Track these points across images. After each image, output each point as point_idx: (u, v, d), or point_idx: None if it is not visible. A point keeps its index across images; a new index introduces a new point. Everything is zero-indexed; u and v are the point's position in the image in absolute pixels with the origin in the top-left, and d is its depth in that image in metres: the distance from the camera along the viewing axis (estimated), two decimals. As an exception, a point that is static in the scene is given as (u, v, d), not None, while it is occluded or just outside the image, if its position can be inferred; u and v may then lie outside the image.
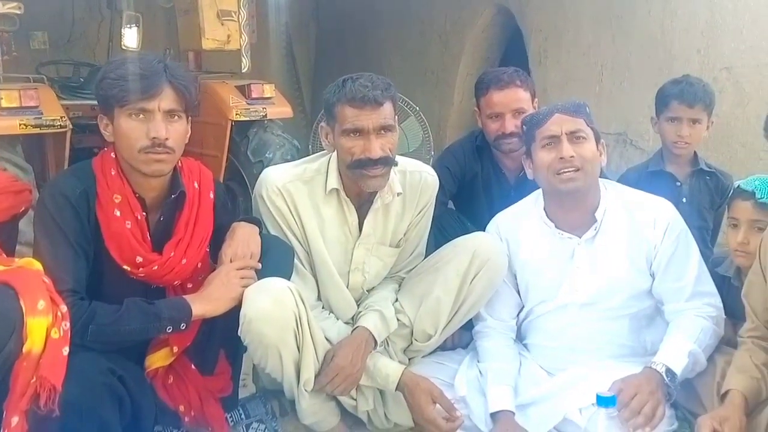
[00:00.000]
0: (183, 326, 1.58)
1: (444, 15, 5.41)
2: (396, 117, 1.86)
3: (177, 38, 4.23)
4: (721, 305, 1.92)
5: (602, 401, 1.37)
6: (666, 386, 1.76)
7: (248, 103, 3.80)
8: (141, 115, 1.58)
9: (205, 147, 3.95)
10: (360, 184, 1.83)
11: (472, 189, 2.49)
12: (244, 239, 1.73)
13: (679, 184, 2.34)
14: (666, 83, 2.35)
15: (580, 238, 1.95)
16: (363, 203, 1.93)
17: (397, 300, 2.01)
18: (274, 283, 1.68)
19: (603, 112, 3.89)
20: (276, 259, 1.77)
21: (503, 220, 2.09)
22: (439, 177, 2.41)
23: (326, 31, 6.92)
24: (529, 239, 2.02)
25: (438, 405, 1.83)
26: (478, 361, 2.03)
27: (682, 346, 1.81)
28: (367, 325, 1.87)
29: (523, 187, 2.33)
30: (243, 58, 4.02)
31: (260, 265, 1.73)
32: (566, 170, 1.85)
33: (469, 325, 2.13)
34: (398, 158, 1.99)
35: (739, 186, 1.94)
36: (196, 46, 4.02)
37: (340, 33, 6.58)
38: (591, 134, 1.90)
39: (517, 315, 2.11)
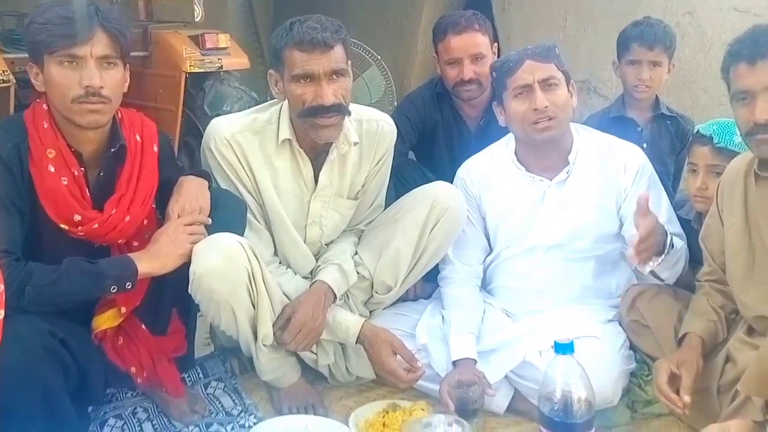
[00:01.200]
0: (128, 285, 1.51)
1: (404, -40, 5.21)
2: (349, 61, 1.77)
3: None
4: (687, 249, 1.91)
5: (560, 348, 1.36)
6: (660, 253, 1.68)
7: (203, 54, 3.64)
8: (73, 62, 1.47)
9: (159, 101, 3.81)
10: (312, 135, 1.76)
11: (433, 138, 2.43)
12: (192, 193, 1.65)
13: (640, 129, 2.31)
14: (627, 26, 2.30)
15: (551, 180, 1.93)
16: (318, 154, 1.86)
17: (356, 253, 1.97)
18: (225, 238, 1.62)
19: (566, 59, 3.76)
20: (227, 213, 1.70)
21: (474, 165, 2.07)
22: (398, 126, 2.35)
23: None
24: (500, 183, 2.00)
25: (399, 356, 1.82)
26: (442, 308, 2.02)
27: (678, 240, 1.83)
28: (326, 279, 1.83)
29: (484, 135, 2.29)
30: (195, 6, 3.84)
31: (210, 220, 1.66)
32: (541, 120, 1.82)
33: (431, 276, 2.11)
34: (353, 106, 1.92)
35: (697, 131, 1.93)
36: (143, -8, 3.82)
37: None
38: (562, 78, 1.87)
39: (484, 260, 2.09)
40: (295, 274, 1.91)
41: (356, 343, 1.86)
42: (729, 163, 1.75)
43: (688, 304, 1.81)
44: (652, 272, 1.76)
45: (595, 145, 1.96)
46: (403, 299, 2.16)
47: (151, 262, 1.54)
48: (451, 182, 2.06)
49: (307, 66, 1.67)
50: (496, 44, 2.33)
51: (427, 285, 2.19)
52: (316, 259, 1.95)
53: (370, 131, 1.92)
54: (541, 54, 1.85)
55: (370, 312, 2.04)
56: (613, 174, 1.93)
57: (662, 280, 1.82)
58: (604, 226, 1.94)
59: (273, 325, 1.76)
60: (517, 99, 1.86)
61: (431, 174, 2.37)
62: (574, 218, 1.93)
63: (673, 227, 1.91)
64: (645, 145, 2.24)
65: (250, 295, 1.67)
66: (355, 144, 1.86)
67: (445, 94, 2.39)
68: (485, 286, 2.12)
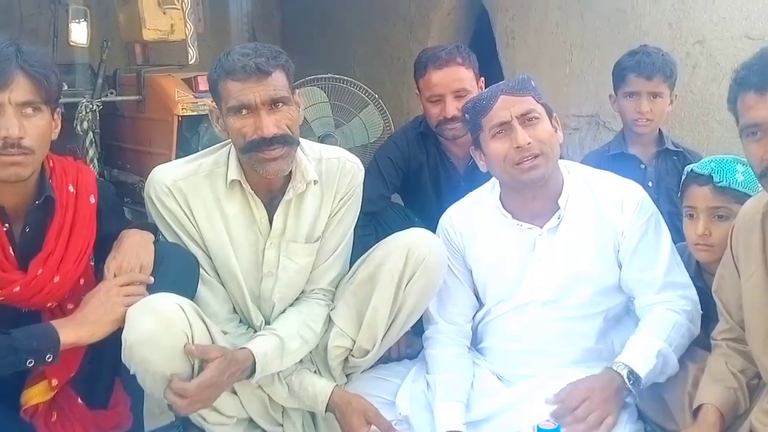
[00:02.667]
0: (49, 358, 1.33)
1: (408, -2, 5.18)
2: (296, 91, 1.63)
3: (117, 29, 3.97)
4: (697, 299, 1.70)
5: (545, 435, 1.14)
6: (627, 391, 1.56)
7: (196, 97, 3.56)
8: None
9: (153, 145, 3.76)
10: (259, 170, 1.59)
11: (419, 180, 2.26)
12: (132, 249, 1.49)
13: (643, 166, 2.12)
14: (623, 56, 2.13)
15: (541, 228, 1.74)
16: (274, 196, 1.68)
17: (332, 321, 1.76)
18: (160, 299, 1.44)
19: (574, 93, 3.71)
20: (174, 271, 1.53)
21: (457, 213, 1.87)
22: (380, 168, 2.20)
23: (291, 20, 6.69)
24: (486, 233, 1.80)
25: (373, 427, 1.62)
26: (427, 373, 1.81)
27: (649, 345, 1.60)
28: (255, 351, 1.57)
29: (473, 177, 2.11)
30: (189, 49, 3.78)
31: (152, 279, 1.49)
32: (525, 159, 1.64)
33: (420, 330, 1.91)
34: (314, 144, 1.77)
35: (692, 170, 1.72)
36: (137, 37, 3.78)
37: (305, 21, 6.35)
38: (543, 111, 1.69)
39: (473, 317, 1.89)
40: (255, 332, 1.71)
41: (326, 411, 1.66)
42: (732, 204, 1.56)
43: (703, 367, 1.58)
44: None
45: (588, 183, 1.76)
46: (386, 360, 1.96)
47: (76, 329, 1.36)
48: (440, 229, 1.87)
49: (242, 96, 1.52)
50: (482, 79, 2.15)
51: (416, 340, 1.98)
52: (268, 321, 1.74)
53: (330, 170, 1.74)
54: (516, 87, 1.68)
55: (348, 376, 1.84)
56: (608, 214, 1.72)
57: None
58: (603, 275, 1.73)
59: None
60: (496, 139, 1.68)
61: (417, 219, 2.18)
62: (568, 269, 1.72)
63: (673, 276, 1.70)
64: (650, 184, 2.05)
65: (192, 362, 1.48)
66: (315, 183, 1.69)
67: (430, 133, 2.23)
68: (475, 344, 1.90)
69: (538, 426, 1.17)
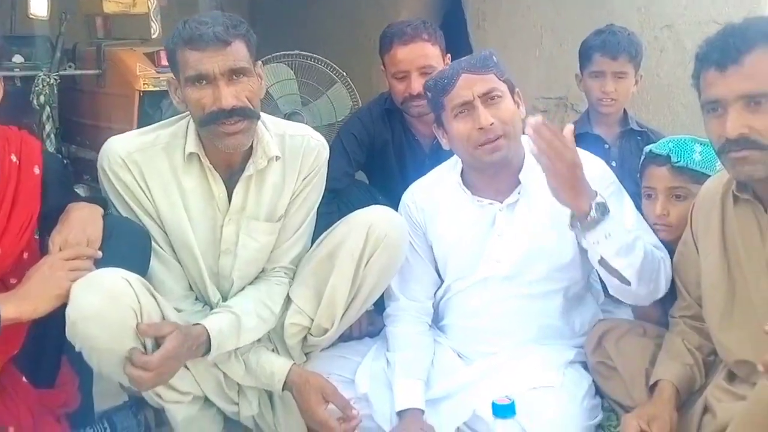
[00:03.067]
0: (-11, 334, 1.27)
1: (379, -23, 5.10)
2: (258, 62, 1.57)
3: (77, 2, 3.83)
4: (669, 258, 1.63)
5: (499, 411, 1.12)
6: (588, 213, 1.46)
7: (158, 72, 3.45)
8: None
9: (113, 121, 3.63)
10: (218, 144, 1.54)
11: (384, 158, 2.22)
12: (79, 223, 1.43)
13: (607, 146, 2.13)
14: (589, 35, 2.11)
15: (501, 203, 1.72)
16: (234, 172, 1.63)
17: (290, 299, 1.73)
18: (106, 273, 1.38)
19: (543, 76, 3.70)
20: (124, 245, 1.47)
21: (419, 189, 1.85)
22: (344, 145, 2.15)
23: (261, 1, 6.55)
24: (447, 209, 1.79)
25: (331, 404, 1.59)
26: (387, 350, 1.80)
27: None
28: (210, 327, 1.53)
29: (439, 154, 2.08)
30: (152, 23, 3.68)
31: (99, 253, 1.43)
32: (489, 141, 1.61)
33: (382, 308, 1.89)
34: (278, 120, 1.72)
35: (650, 150, 1.71)
36: (97, 9, 3.65)
37: (275, 2, 6.22)
38: (505, 89, 1.67)
39: (435, 294, 1.87)
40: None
41: (283, 390, 1.63)
42: (689, 184, 1.57)
43: (661, 343, 1.59)
44: (603, 263, 1.51)
45: None
46: (347, 338, 1.93)
47: (18, 304, 1.30)
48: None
49: (200, 66, 1.46)
50: (449, 56, 2.12)
51: (377, 318, 1.96)
52: (226, 299, 1.70)
53: (294, 146, 1.69)
54: (477, 65, 1.64)
55: (307, 355, 1.81)
56: None
57: (627, 282, 1.52)
58: (561, 250, 1.70)
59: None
60: (459, 119, 1.65)
61: (381, 197, 2.15)
62: (527, 244, 1.71)
63: (647, 236, 1.65)
64: (614, 164, 2.04)
65: (141, 339, 1.43)
66: (276, 159, 1.64)
67: (395, 110, 2.19)
68: (436, 322, 1.89)
69: (493, 402, 1.15)
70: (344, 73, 3.61)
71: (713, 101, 1.27)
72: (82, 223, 1.43)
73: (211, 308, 1.67)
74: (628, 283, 1.52)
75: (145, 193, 1.58)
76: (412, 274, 1.82)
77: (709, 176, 1.57)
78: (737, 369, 1.40)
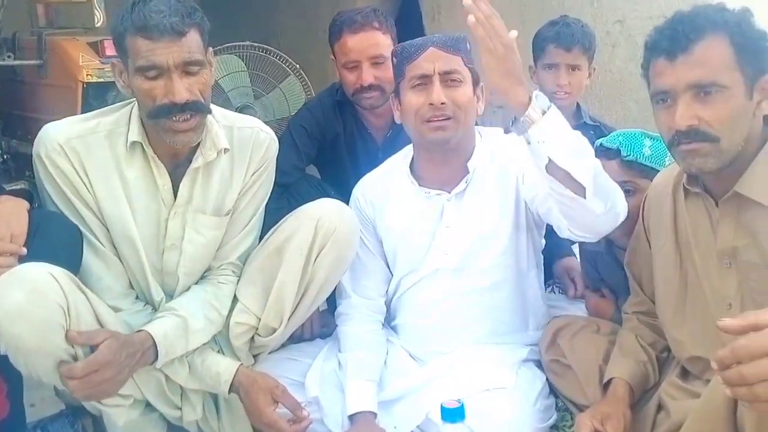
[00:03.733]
0: None
1: (335, -31, 5.03)
2: (209, 50, 1.49)
3: (15, -13, 3.64)
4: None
5: (447, 415, 1.07)
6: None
7: (102, 62, 3.30)
8: None
9: (56, 113, 3.44)
10: (167, 139, 1.46)
11: (335, 151, 2.15)
12: (2, 217, 1.34)
13: (561, 140, 2.08)
14: (542, 26, 2.09)
15: (449, 193, 1.68)
16: (180, 163, 1.55)
17: (235, 298, 1.66)
18: (31, 269, 1.29)
19: None
20: (53, 241, 1.38)
21: (368, 183, 1.81)
22: (294, 138, 2.08)
23: (213, -11, 6.40)
24: (396, 201, 1.74)
25: (281, 408, 1.53)
26: (339, 350, 1.74)
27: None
28: (154, 332, 1.46)
29: (392, 147, 2.02)
30: (95, 11, 3.52)
31: (24, 249, 1.34)
32: (436, 118, 1.58)
33: (335, 309, 1.83)
34: (224, 112, 1.64)
35: (601, 144, 1.69)
36: (38, -5, 3.49)
37: (228, -9, 6.08)
38: (468, 76, 1.62)
39: (387, 291, 1.82)
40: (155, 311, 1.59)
41: (230, 392, 1.56)
42: (638, 179, 1.54)
43: (614, 339, 1.57)
44: (552, 168, 1.33)
45: (494, 144, 1.71)
46: (298, 339, 1.87)
47: None
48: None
49: (153, 56, 1.38)
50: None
51: (331, 319, 1.90)
52: (171, 297, 1.62)
53: (243, 138, 1.62)
54: (448, 43, 1.59)
55: (255, 357, 1.74)
56: (508, 167, 1.66)
57: (582, 190, 1.34)
58: (508, 234, 1.66)
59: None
60: (414, 90, 1.61)
61: (333, 191, 2.08)
62: (474, 233, 1.67)
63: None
64: (568, 158, 2.01)
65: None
66: (225, 151, 1.57)
67: (346, 102, 2.12)
68: (389, 321, 1.84)
69: (441, 405, 1.11)
70: (297, 66, 3.53)
71: (662, 92, 1.24)
72: (5, 217, 1.34)
73: (154, 308, 1.59)
74: (584, 193, 1.34)
75: (84, 183, 1.49)
76: (363, 271, 1.77)
77: (658, 171, 1.56)
78: (690, 365, 1.39)
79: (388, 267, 1.79)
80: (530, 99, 1.33)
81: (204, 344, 1.59)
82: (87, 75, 3.22)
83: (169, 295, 1.63)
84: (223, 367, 1.56)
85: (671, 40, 1.21)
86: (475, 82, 1.65)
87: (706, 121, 1.19)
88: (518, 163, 1.63)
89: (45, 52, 3.48)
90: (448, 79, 1.58)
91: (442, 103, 1.56)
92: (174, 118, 1.42)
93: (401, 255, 1.74)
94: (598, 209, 1.38)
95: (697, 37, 1.19)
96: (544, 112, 1.33)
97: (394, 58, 1.68)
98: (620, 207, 1.45)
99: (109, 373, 1.36)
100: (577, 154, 1.35)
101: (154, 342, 1.45)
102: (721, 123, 1.18)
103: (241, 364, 1.60)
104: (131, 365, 1.42)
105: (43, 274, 1.29)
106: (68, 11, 3.83)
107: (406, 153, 1.76)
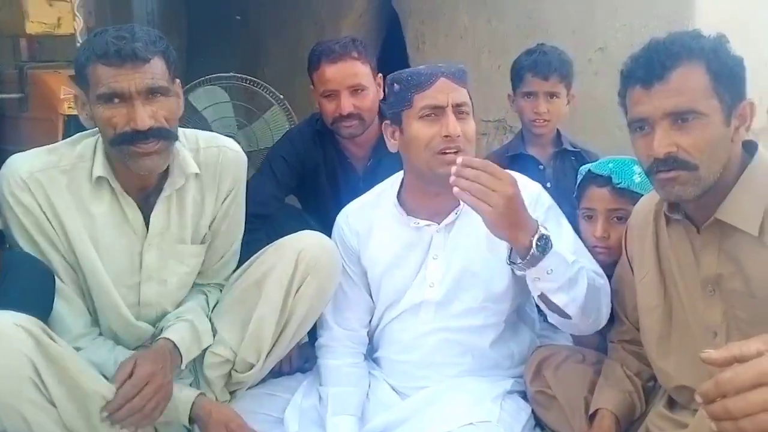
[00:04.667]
0: None
1: (319, 0, 5.10)
2: (177, 80, 1.47)
3: (-1, 22, 3.65)
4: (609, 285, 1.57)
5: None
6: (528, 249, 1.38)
7: (84, 95, 3.30)
8: None
9: (38, 146, 3.43)
10: (131, 166, 1.42)
11: (316, 181, 2.13)
12: None
13: (542, 167, 2.09)
14: (520, 55, 2.09)
15: (438, 224, 1.64)
16: (148, 194, 1.52)
17: (214, 329, 1.62)
18: None
19: (482, 98, 3.69)
20: (22, 285, 1.33)
21: (352, 212, 1.75)
22: (273, 168, 2.06)
23: (199, 20, 6.45)
24: (382, 232, 1.69)
25: None
26: (320, 384, 1.70)
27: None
28: (171, 337, 1.50)
29: (373, 177, 2.00)
30: (78, 44, 3.53)
31: None
32: (450, 150, 1.52)
33: (315, 340, 1.78)
34: (190, 132, 1.61)
35: (590, 171, 1.68)
36: (20, 30, 3.49)
37: (214, 22, 6.13)
38: (471, 108, 1.59)
39: (370, 322, 1.77)
40: (117, 345, 1.55)
41: (190, 423, 1.51)
42: (629, 206, 1.51)
43: (600, 369, 1.54)
44: (544, 298, 1.43)
45: None
46: (277, 374, 1.82)
47: None
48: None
49: (114, 83, 1.36)
50: (380, 75, 2.05)
51: (313, 352, 1.85)
52: (157, 329, 1.59)
53: (209, 160, 1.59)
54: (456, 75, 1.55)
55: (232, 393, 1.68)
56: None
57: (567, 316, 1.45)
58: (494, 278, 1.63)
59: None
60: (424, 121, 1.53)
61: (314, 222, 2.05)
62: (462, 266, 1.63)
63: (583, 260, 1.56)
64: (549, 184, 2.01)
65: (41, 391, 1.29)
66: (196, 176, 1.54)
67: (326, 131, 2.10)
68: (371, 354, 1.79)
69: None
70: (281, 96, 3.53)
71: (640, 120, 1.23)
72: None
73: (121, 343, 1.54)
74: (570, 318, 1.46)
75: (48, 219, 1.45)
76: (346, 302, 1.73)
77: (646, 197, 1.54)
78: (677, 395, 1.36)
79: (371, 297, 1.75)
80: (531, 242, 1.35)
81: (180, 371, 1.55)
82: (68, 107, 3.20)
83: (152, 324, 1.60)
84: (179, 399, 1.50)
85: (647, 68, 1.20)
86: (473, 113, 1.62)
87: (684, 148, 1.17)
88: None
89: (26, 85, 3.48)
90: (459, 111, 1.53)
91: (458, 136, 1.51)
92: (138, 144, 1.38)
93: (386, 286, 1.70)
94: (582, 326, 1.50)
95: (673, 65, 1.18)
96: (544, 251, 1.37)
97: (395, 84, 1.60)
98: (604, 314, 1.53)
99: (159, 380, 1.39)
100: (569, 288, 1.42)
101: (175, 345, 1.48)
102: (700, 150, 1.17)
103: (200, 393, 1.55)
104: (167, 370, 1.44)
105: (9, 324, 1.24)
106: (51, 45, 3.84)
107: (394, 182, 1.71)
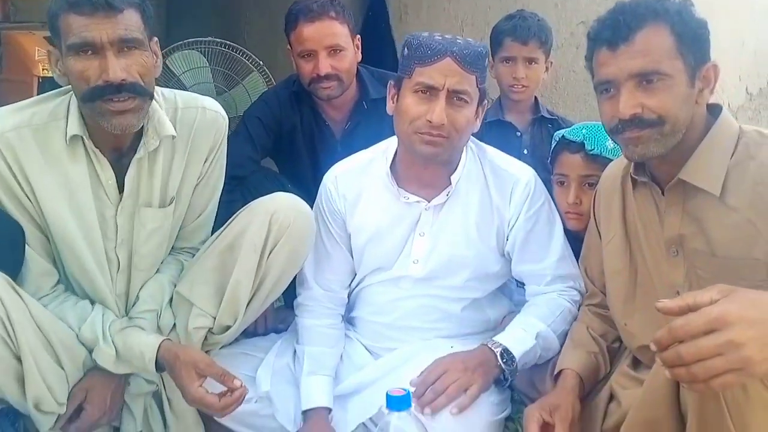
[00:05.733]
0: None
1: (303, -31, 5.00)
2: (154, 38, 1.43)
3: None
4: (584, 289, 1.63)
5: (394, 403, 1.05)
6: (500, 369, 1.49)
7: (58, 56, 3.24)
8: None
9: (9, 107, 3.38)
10: (103, 123, 1.38)
11: (292, 144, 2.11)
12: None
13: (519, 134, 2.10)
14: (500, 20, 2.09)
15: (428, 202, 1.62)
16: (123, 154, 1.49)
17: (190, 302, 1.60)
18: None
19: None
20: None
21: (342, 174, 1.71)
22: (249, 129, 2.04)
23: (180, -13, 6.32)
24: (371, 200, 1.67)
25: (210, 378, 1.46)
26: (297, 342, 1.70)
27: (530, 327, 1.55)
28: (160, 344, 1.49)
29: (351, 140, 2.01)
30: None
31: None
32: (430, 134, 1.49)
33: (292, 302, 1.78)
34: (169, 92, 1.57)
35: (563, 137, 1.68)
36: (-9, -9, 3.42)
37: (196, -11, 6.01)
38: (476, 97, 1.53)
39: (350, 285, 1.78)
40: (83, 299, 1.54)
41: (157, 370, 1.49)
42: (602, 172, 1.51)
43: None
44: None
45: (483, 164, 1.66)
46: (251, 334, 1.82)
47: None
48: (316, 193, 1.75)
49: (85, 32, 1.31)
50: (358, 37, 2.04)
51: (290, 314, 1.85)
52: (133, 296, 1.58)
53: (186, 120, 1.54)
54: (467, 59, 1.47)
55: (207, 353, 1.69)
56: (495, 200, 1.63)
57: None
58: (481, 262, 1.64)
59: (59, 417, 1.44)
60: (415, 96, 1.50)
61: (291, 185, 2.05)
62: (447, 249, 1.62)
63: (564, 269, 1.63)
64: (526, 151, 2.03)
65: (9, 346, 1.29)
66: (173, 138, 1.51)
67: (304, 93, 2.08)
68: (346, 313, 1.80)
69: (387, 393, 1.08)
70: (261, 62, 3.49)
71: (606, 81, 1.24)
72: None
73: (94, 300, 1.54)
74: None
75: (18, 181, 1.41)
76: (328, 262, 1.71)
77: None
78: (641, 355, 1.39)
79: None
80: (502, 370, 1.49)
81: (128, 325, 1.53)
82: (43, 69, 3.16)
83: (131, 290, 1.59)
84: (145, 345, 1.47)
85: (613, 29, 1.21)
86: (480, 102, 1.56)
87: (649, 108, 1.19)
88: (509, 215, 1.63)
89: (0, 46, 3.41)
90: (455, 97, 1.48)
91: (442, 124, 1.47)
92: (109, 100, 1.34)
93: (369, 255, 1.69)
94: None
95: (638, 26, 1.19)
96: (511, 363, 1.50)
97: (405, 48, 1.55)
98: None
99: (106, 419, 1.49)
100: (541, 356, 1.56)
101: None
102: (665, 110, 1.19)
103: (165, 339, 1.51)
104: (118, 392, 1.51)
105: None
106: (26, 6, 3.76)
107: (388, 147, 1.67)
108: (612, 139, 1.28)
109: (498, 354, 1.49)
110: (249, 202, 1.74)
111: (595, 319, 1.52)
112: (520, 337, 1.53)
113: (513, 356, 1.49)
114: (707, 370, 0.82)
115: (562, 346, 1.53)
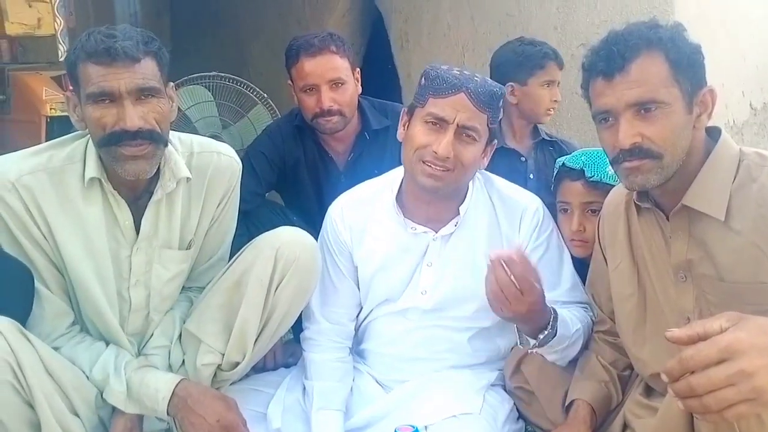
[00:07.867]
0: None
1: (302, -1, 5.09)
2: (171, 84, 1.46)
3: (-24, 23, 3.63)
4: (596, 316, 1.61)
5: (402, 440, 1.04)
6: (543, 326, 1.43)
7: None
8: None
9: (21, 149, 3.41)
10: (117, 169, 1.41)
11: (297, 177, 2.12)
12: None
13: (523, 159, 2.09)
14: (522, 45, 2.08)
15: (436, 232, 1.62)
16: (139, 196, 1.51)
17: (198, 338, 1.61)
18: None
19: None
20: (2, 284, 1.33)
21: (347, 205, 1.71)
22: (252, 164, 2.05)
23: (182, 21, 6.43)
24: (377, 231, 1.67)
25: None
26: (305, 377, 1.69)
27: (573, 319, 1.52)
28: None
29: (354, 172, 2.01)
30: (60, 45, 3.51)
31: None
32: (434, 166, 1.50)
33: (299, 337, 1.77)
34: (186, 137, 1.59)
35: (564, 164, 1.68)
36: (-1, 31, 3.47)
37: (197, 22, 6.12)
38: (485, 136, 1.53)
39: (357, 317, 1.76)
40: (99, 340, 1.54)
41: (168, 413, 1.48)
42: (604, 198, 1.51)
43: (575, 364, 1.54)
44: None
45: (491, 194, 1.66)
46: (261, 369, 1.82)
47: None
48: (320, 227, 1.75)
49: (104, 82, 1.34)
50: (358, 70, 2.06)
51: (298, 348, 1.84)
52: (149, 335, 1.58)
53: (201, 165, 1.57)
54: (481, 97, 1.48)
55: (216, 389, 1.68)
56: (506, 230, 1.63)
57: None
58: None
59: None
60: (426, 126, 1.51)
61: (296, 218, 2.06)
62: (455, 280, 1.62)
63: (576, 296, 1.62)
64: (532, 176, 2.02)
65: (20, 393, 1.29)
66: (188, 180, 1.53)
67: (306, 126, 2.10)
68: (355, 345, 1.79)
69: (395, 430, 1.07)
70: (265, 95, 3.53)
71: (604, 111, 1.24)
72: None
73: (104, 339, 1.53)
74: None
75: (36, 223, 1.43)
76: (334, 295, 1.71)
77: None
78: (654, 383, 1.37)
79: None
80: (542, 333, 1.42)
81: (145, 364, 1.54)
82: (51, 109, 3.20)
83: (140, 334, 1.59)
84: (162, 383, 1.48)
85: (607, 60, 1.21)
86: (490, 140, 1.57)
87: (648, 137, 1.19)
88: (516, 245, 1.59)
89: (8, 87, 3.47)
90: (463, 132, 1.49)
91: (447, 157, 1.48)
92: (124, 145, 1.36)
93: (376, 286, 1.68)
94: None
95: (632, 56, 1.19)
96: (545, 344, 1.43)
97: (423, 79, 1.55)
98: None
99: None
100: (564, 352, 1.50)
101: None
102: (664, 139, 1.18)
103: (184, 378, 1.52)
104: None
105: None
106: (32, 46, 3.83)
107: (394, 179, 1.67)
108: (613, 169, 1.28)
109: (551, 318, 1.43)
110: (254, 236, 1.74)
111: (606, 347, 1.50)
112: (568, 318, 1.49)
113: (558, 317, 1.44)
114: (719, 401, 0.81)
115: (578, 354, 1.52)
